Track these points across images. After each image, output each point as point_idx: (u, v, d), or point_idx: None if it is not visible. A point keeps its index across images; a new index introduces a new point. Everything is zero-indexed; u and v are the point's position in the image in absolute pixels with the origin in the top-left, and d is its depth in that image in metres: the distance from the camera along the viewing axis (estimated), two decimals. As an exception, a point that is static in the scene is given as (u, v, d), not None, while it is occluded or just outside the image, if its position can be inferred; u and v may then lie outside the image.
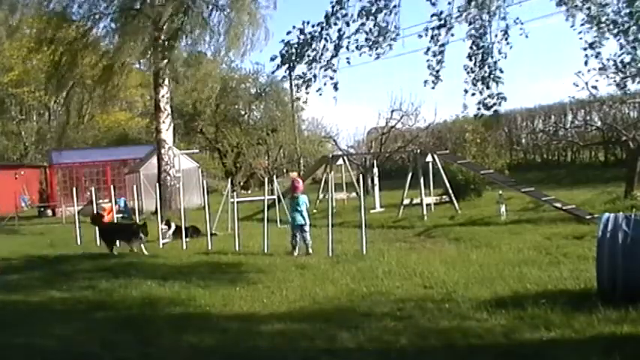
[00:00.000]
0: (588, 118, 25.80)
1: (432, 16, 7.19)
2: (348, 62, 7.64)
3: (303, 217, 11.03)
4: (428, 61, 7.31)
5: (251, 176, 34.43)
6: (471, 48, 7.21)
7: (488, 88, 7.16)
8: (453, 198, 16.46)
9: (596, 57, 7.02)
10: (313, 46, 7.34)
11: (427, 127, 29.41)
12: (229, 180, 17.41)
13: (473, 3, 7.07)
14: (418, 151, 18.22)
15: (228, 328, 6.37)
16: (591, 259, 7.60)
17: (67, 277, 9.75)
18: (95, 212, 13.69)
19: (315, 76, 7.47)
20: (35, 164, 34.96)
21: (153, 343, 6.01)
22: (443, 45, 7.19)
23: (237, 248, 11.69)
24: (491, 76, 7.13)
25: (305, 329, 6.19)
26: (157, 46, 19.80)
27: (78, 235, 13.83)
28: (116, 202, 17.34)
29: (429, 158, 16.79)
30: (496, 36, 7.13)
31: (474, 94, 7.23)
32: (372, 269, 8.97)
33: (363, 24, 7.28)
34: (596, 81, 7.48)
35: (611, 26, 6.82)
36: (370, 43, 7.32)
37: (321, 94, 7.54)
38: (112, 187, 15.81)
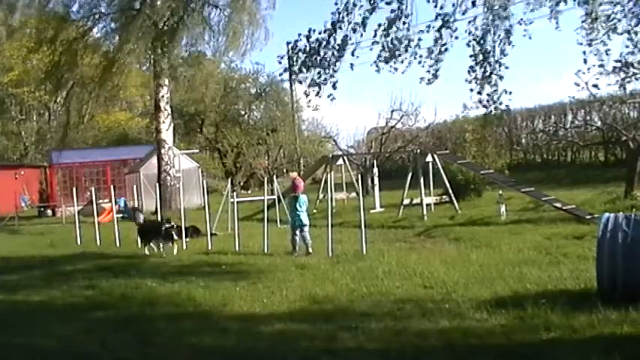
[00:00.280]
0: (588, 118, 25.81)
1: (436, 16, 7.17)
2: (352, 68, 7.60)
3: (303, 217, 11.03)
4: (423, 57, 7.29)
5: (251, 176, 34.42)
6: (472, 47, 7.20)
7: (493, 85, 7.14)
8: (453, 198, 16.46)
9: (596, 54, 7.00)
10: (321, 53, 7.32)
11: (427, 127, 29.42)
12: (229, 180, 17.41)
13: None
14: (418, 151, 18.22)
15: (228, 328, 6.37)
16: (591, 259, 7.60)
17: (67, 277, 9.75)
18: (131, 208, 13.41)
19: (325, 80, 7.44)
20: (35, 164, 34.96)
21: (153, 343, 6.01)
22: (445, 45, 7.16)
23: (237, 248, 11.69)
24: (493, 74, 7.12)
25: (305, 329, 6.20)
26: (156, 46, 19.80)
27: (78, 235, 13.83)
28: (116, 202, 17.36)
29: (429, 158, 16.79)
30: (499, 36, 7.12)
31: (479, 92, 7.20)
32: (372, 269, 8.97)
33: (376, 42, 7.24)
34: (597, 79, 7.46)
35: (619, 24, 6.81)
36: (385, 58, 7.28)
37: (333, 99, 7.54)
38: (112, 187, 15.82)
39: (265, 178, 18.44)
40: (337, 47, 7.27)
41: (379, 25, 7.18)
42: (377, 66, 7.38)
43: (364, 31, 7.21)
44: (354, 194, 18.14)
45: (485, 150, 20.66)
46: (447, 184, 16.63)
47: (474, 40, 7.16)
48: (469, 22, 7.19)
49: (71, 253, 12.42)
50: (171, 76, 20.67)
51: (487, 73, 7.13)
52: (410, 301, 6.95)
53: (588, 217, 12.46)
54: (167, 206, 18.16)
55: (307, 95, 7.63)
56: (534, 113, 28.33)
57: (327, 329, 6.07)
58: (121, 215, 17.91)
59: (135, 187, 19.97)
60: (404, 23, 7.15)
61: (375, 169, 19.48)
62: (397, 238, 12.78)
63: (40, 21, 21.72)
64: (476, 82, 7.18)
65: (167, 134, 20.83)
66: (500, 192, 14.48)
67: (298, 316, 6.68)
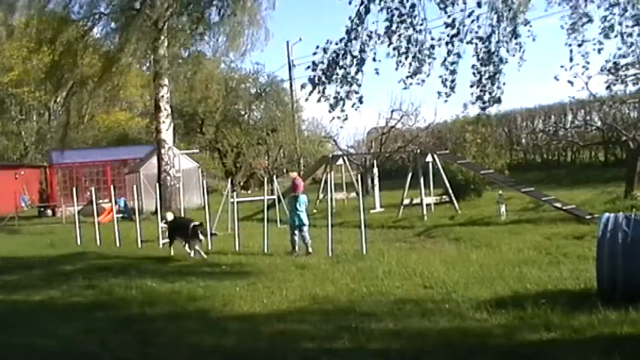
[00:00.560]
0: (588, 118, 25.79)
1: (446, 26, 7.16)
2: (377, 73, 7.57)
3: (303, 217, 11.03)
4: (441, 76, 7.29)
5: (251, 176, 34.41)
6: (477, 48, 7.21)
7: (495, 84, 7.16)
8: (453, 198, 16.46)
9: (583, 56, 7.04)
10: (340, 64, 7.31)
11: (427, 127, 29.39)
12: (229, 180, 17.40)
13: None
14: (418, 151, 18.21)
15: (228, 328, 6.37)
16: (591, 259, 7.60)
17: (67, 277, 9.75)
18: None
19: (347, 93, 7.42)
20: (35, 164, 34.94)
21: (153, 343, 6.01)
22: (458, 54, 7.15)
23: (237, 248, 11.69)
24: (497, 74, 7.13)
25: (305, 329, 6.20)
26: (156, 46, 19.80)
27: (78, 235, 13.83)
28: (116, 202, 17.36)
29: (429, 158, 16.79)
30: (504, 37, 7.13)
31: (483, 92, 7.21)
32: (372, 269, 8.97)
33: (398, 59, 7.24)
34: (584, 78, 7.47)
35: (613, 27, 6.82)
36: (410, 73, 7.30)
37: (357, 109, 7.53)
38: (112, 187, 15.82)
39: (265, 178, 18.42)
40: (356, 58, 7.26)
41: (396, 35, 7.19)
42: (404, 83, 7.42)
43: (379, 40, 7.23)
44: (353, 194, 18.13)
45: (485, 150, 20.64)
46: (447, 184, 16.62)
47: (479, 40, 7.17)
48: (472, 21, 7.21)
49: (71, 253, 12.42)
50: (171, 76, 20.68)
51: (492, 73, 7.14)
52: (410, 301, 6.95)
53: (588, 217, 12.46)
54: (167, 206, 18.14)
55: (332, 107, 7.53)
56: (534, 113, 28.31)
57: (327, 329, 6.07)
58: (121, 215, 17.90)
59: (135, 187, 19.95)
60: (419, 31, 7.17)
61: (375, 169, 19.47)
62: (397, 238, 12.78)
63: (40, 21, 21.72)
64: (479, 83, 7.19)
65: (167, 134, 20.81)
66: (500, 192, 14.48)
67: (298, 316, 6.68)
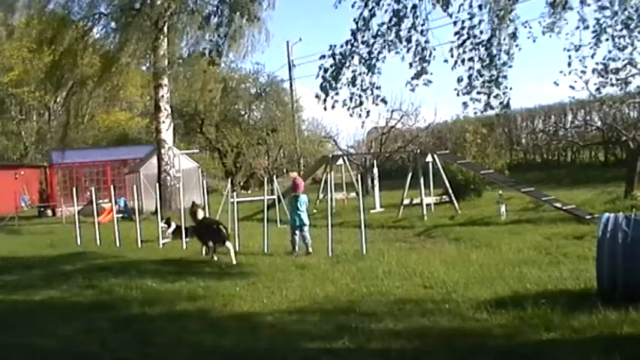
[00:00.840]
0: (588, 118, 25.80)
1: (455, 34, 7.16)
2: (379, 73, 7.57)
3: (304, 217, 11.03)
4: (458, 90, 7.29)
5: (251, 176, 34.42)
6: (478, 51, 7.21)
7: (500, 88, 7.17)
8: (453, 198, 16.46)
9: (580, 61, 7.06)
10: (347, 65, 7.31)
11: (427, 127, 29.40)
12: (229, 180, 17.40)
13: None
14: (418, 151, 18.21)
15: (228, 328, 6.37)
16: (591, 259, 7.60)
17: (67, 277, 9.73)
18: (191, 205, 11.89)
19: (360, 96, 7.43)
20: (35, 164, 34.94)
21: (153, 343, 6.01)
22: (471, 60, 7.15)
23: (237, 248, 11.68)
24: (500, 77, 7.14)
25: (305, 329, 6.20)
26: (156, 46, 19.81)
27: (78, 235, 13.83)
28: (116, 202, 17.36)
29: (429, 158, 16.79)
30: (504, 39, 7.14)
31: (487, 95, 7.23)
32: (372, 269, 8.97)
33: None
34: (575, 82, 7.51)
35: (606, 30, 6.84)
36: (417, 75, 7.33)
37: (377, 104, 7.54)
38: (112, 187, 15.81)
39: (265, 178, 18.42)
40: (366, 58, 7.27)
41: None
42: (411, 85, 7.44)
43: (386, 44, 7.24)
44: (353, 194, 18.14)
45: (485, 150, 20.66)
46: (447, 184, 16.63)
47: (481, 44, 7.18)
48: (473, 27, 7.22)
49: (71, 253, 12.41)
50: (172, 76, 20.69)
51: (494, 76, 7.15)
52: (410, 301, 6.95)
53: (588, 217, 12.46)
54: (167, 206, 18.16)
55: (351, 110, 7.55)
56: (534, 113, 28.31)
57: (327, 329, 6.07)
58: (120, 215, 17.89)
59: (135, 187, 19.95)
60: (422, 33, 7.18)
61: (375, 169, 19.47)
62: (397, 238, 12.78)
63: (40, 21, 21.75)
64: (483, 86, 7.19)
65: (167, 134, 20.84)
66: (500, 192, 14.48)
67: (298, 316, 6.68)
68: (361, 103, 7.46)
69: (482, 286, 7.40)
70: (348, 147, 32.13)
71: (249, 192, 30.30)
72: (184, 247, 12.31)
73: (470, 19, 7.12)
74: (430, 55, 7.26)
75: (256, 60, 48.00)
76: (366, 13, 7.18)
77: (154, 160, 21.89)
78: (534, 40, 7.21)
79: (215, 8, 8.09)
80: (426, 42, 7.26)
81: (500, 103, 7.21)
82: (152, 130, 27.43)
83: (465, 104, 7.32)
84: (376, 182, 18.80)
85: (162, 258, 11.26)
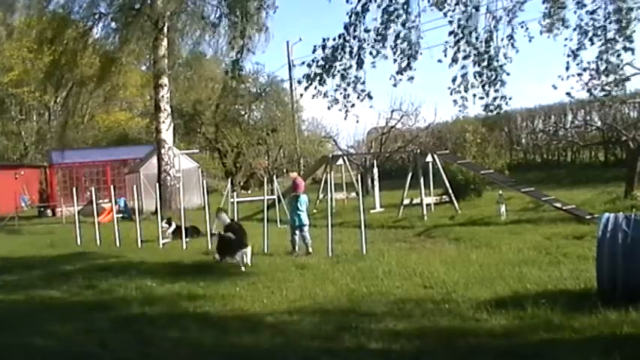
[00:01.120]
0: (588, 118, 25.81)
1: (450, 34, 7.16)
2: (374, 66, 7.61)
3: (304, 217, 11.03)
4: (451, 88, 7.31)
5: (251, 176, 34.42)
6: (476, 52, 7.22)
7: (496, 91, 7.18)
8: (453, 198, 16.46)
9: (578, 65, 7.07)
10: (339, 59, 7.34)
11: (427, 127, 29.41)
12: (229, 180, 17.41)
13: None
14: (418, 151, 18.21)
15: (228, 328, 6.37)
16: (591, 259, 7.60)
17: (67, 277, 9.74)
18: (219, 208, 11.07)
19: (345, 89, 7.50)
20: (35, 164, 34.96)
21: (153, 343, 6.01)
22: (465, 62, 7.17)
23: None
24: (497, 79, 7.15)
25: (305, 329, 6.20)
26: (156, 46, 19.82)
27: (78, 235, 13.83)
28: (116, 202, 17.36)
29: (429, 158, 16.79)
30: (502, 40, 7.15)
31: (482, 98, 7.25)
32: (372, 269, 8.96)
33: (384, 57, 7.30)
34: (571, 88, 7.53)
35: (598, 32, 6.84)
36: (400, 70, 7.35)
37: (362, 99, 7.57)
38: (112, 187, 15.81)
39: (265, 178, 18.43)
40: (355, 52, 7.28)
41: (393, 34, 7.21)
42: (394, 79, 7.46)
43: (379, 40, 7.25)
44: (353, 194, 18.14)
45: (485, 150, 20.66)
46: (447, 184, 16.63)
47: (477, 47, 7.19)
48: (470, 32, 7.22)
49: (71, 253, 12.41)
50: (172, 76, 20.70)
51: (493, 77, 7.15)
52: (410, 301, 6.94)
53: (588, 217, 12.46)
54: (167, 206, 18.16)
55: (330, 109, 7.65)
56: (534, 113, 28.32)
57: (327, 329, 6.07)
58: (121, 215, 17.89)
59: (135, 187, 19.95)
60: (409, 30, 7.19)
61: (375, 169, 19.47)
62: (397, 238, 12.78)
63: (40, 21, 21.76)
64: (482, 87, 7.20)
65: (167, 134, 20.84)
66: (500, 192, 14.48)
67: (298, 316, 6.67)
68: (347, 96, 7.51)
69: (482, 286, 7.40)
70: (348, 147, 32.15)
71: (249, 192, 30.30)
72: (184, 247, 12.32)
73: (467, 20, 7.13)
74: (417, 53, 7.28)
75: (256, 60, 48.02)
76: (359, 8, 7.20)
77: (154, 160, 21.89)
78: (530, 40, 7.22)
79: (220, 16, 8.11)
80: (420, 38, 7.29)
81: (498, 105, 7.22)
82: (152, 130, 27.44)
83: (455, 102, 7.38)
84: (376, 182, 18.80)
85: (162, 258, 11.26)
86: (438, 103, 41.50)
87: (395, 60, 7.33)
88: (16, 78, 35.71)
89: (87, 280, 9.24)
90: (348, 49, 7.35)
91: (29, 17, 22.33)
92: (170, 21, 19.88)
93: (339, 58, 7.36)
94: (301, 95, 7.65)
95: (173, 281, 8.83)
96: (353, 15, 7.25)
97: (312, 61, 7.43)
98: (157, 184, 15.84)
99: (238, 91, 31.94)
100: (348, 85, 7.46)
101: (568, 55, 7.03)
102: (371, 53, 7.37)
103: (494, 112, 7.32)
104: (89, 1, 20.60)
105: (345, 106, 7.64)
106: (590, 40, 6.88)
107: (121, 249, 12.74)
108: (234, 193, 15.41)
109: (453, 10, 7.15)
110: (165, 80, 20.36)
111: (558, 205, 13.68)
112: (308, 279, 8.53)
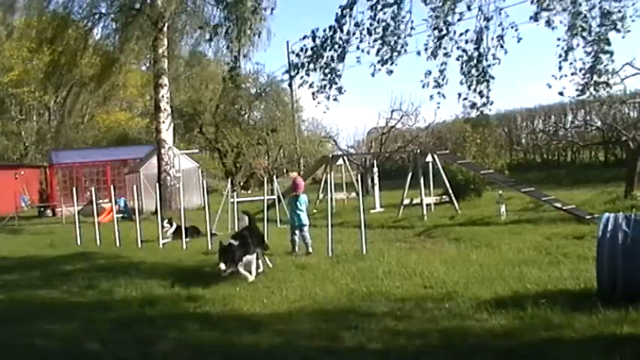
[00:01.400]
0: (588, 118, 25.83)
1: (433, 29, 7.18)
2: (359, 61, 7.72)
3: (303, 217, 11.03)
4: (428, 74, 7.35)
5: (251, 176, 34.42)
6: (466, 54, 7.24)
7: (480, 94, 7.22)
8: (453, 198, 16.46)
9: (571, 64, 7.09)
10: (324, 55, 7.38)
11: (427, 127, 29.43)
12: (229, 180, 17.41)
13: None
14: (418, 151, 18.21)
15: (228, 328, 6.37)
16: (591, 259, 7.60)
17: (67, 277, 9.74)
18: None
19: (330, 82, 7.57)
20: (35, 164, 34.99)
21: (153, 343, 6.01)
22: (446, 54, 7.20)
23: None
24: (485, 80, 7.17)
25: (305, 329, 6.19)
26: (156, 46, 19.82)
27: (78, 235, 13.83)
28: (116, 202, 17.36)
29: (429, 158, 16.79)
30: (492, 39, 7.16)
31: (466, 99, 7.29)
32: (372, 269, 8.96)
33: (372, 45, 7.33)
34: (564, 88, 7.55)
35: (585, 33, 6.86)
36: (382, 61, 7.39)
37: (335, 99, 7.65)
38: (112, 187, 15.81)
39: (265, 178, 18.43)
40: (341, 45, 7.31)
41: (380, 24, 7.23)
42: (374, 67, 7.51)
43: (367, 34, 7.27)
44: (353, 194, 18.14)
45: (485, 150, 20.67)
46: (447, 184, 16.63)
47: (466, 48, 7.22)
48: (462, 33, 7.26)
49: (71, 253, 12.41)
50: (172, 76, 20.70)
51: (483, 76, 7.18)
52: (410, 301, 6.94)
53: (588, 217, 12.46)
54: (167, 206, 18.17)
55: (315, 99, 7.72)
56: (534, 113, 28.36)
57: (327, 329, 6.07)
58: (121, 215, 17.89)
59: (135, 187, 19.96)
60: (398, 26, 7.23)
61: (375, 169, 19.48)
62: (397, 238, 12.77)
63: (40, 21, 21.76)
64: (470, 86, 7.23)
65: (167, 134, 20.85)
66: (500, 192, 14.48)
67: (298, 316, 6.67)
68: (330, 86, 7.56)
69: (482, 286, 7.39)
70: (348, 147, 32.21)
71: (249, 192, 30.31)
72: (184, 247, 12.32)
73: (459, 20, 7.16)
74: (403, 48, 7.32)
75: (256, 60, 48.02)
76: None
77: (154, 160, 21.90)
78: (518, 40, 7.25)
79: (221, 22, 8.15)
80: (409, 35, 7.32)
81: (483, 104, 7.26)
82: (152, 130, 27.45)
83: (431, 97, 7.45)
84: (376, 182, 18.81)
85: (162, 258, 11.26)
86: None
87: (378, 51, 7.38)
88: (16, 78, 35.74)
89: (87, 280, 9.24)
90: (336, 41, 7.40)
91: (29, 17, 22.34)
92: (170, 21, 19.88)
93: (327, 49, 7.40)
94: (289, 84, 7.83)
95: (173, 281, 8.83)
96: (345, 9, 7.29)
97: (301, 49, 7.50)
98: (157, 184, 15.83)
99: (238, 92, 31.97)
100: (331, 75, 7.51)
101: (560, 56, 7.05)
102: (358, 47, 7.43)
103: (478, 113, 7.36)
104: (89, 1, 20.63)
105: (328, 98, 7.71)
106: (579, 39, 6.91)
107: (121, 249, 12.73)
108: (234, 193, 15.40)
109: (441, 6, 7.17)
110: (165, 80, 20.36)
111: (558, 205, 13.68)
112: (308, 279, 8.52)
